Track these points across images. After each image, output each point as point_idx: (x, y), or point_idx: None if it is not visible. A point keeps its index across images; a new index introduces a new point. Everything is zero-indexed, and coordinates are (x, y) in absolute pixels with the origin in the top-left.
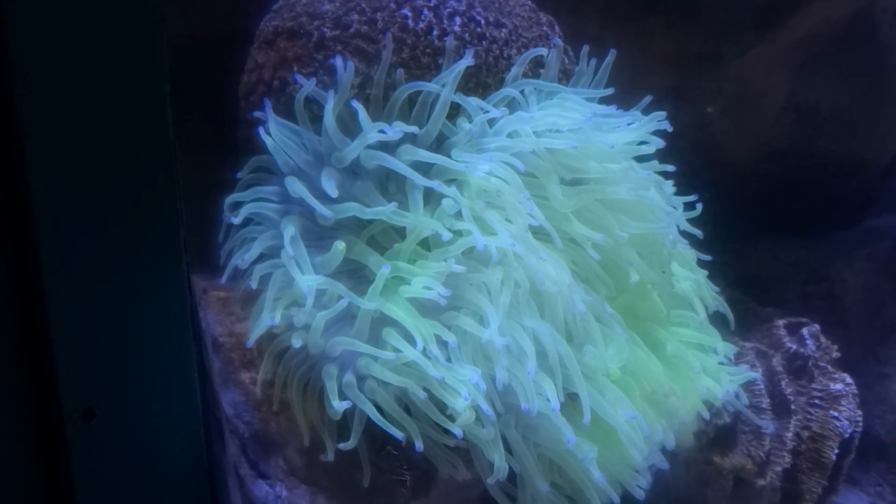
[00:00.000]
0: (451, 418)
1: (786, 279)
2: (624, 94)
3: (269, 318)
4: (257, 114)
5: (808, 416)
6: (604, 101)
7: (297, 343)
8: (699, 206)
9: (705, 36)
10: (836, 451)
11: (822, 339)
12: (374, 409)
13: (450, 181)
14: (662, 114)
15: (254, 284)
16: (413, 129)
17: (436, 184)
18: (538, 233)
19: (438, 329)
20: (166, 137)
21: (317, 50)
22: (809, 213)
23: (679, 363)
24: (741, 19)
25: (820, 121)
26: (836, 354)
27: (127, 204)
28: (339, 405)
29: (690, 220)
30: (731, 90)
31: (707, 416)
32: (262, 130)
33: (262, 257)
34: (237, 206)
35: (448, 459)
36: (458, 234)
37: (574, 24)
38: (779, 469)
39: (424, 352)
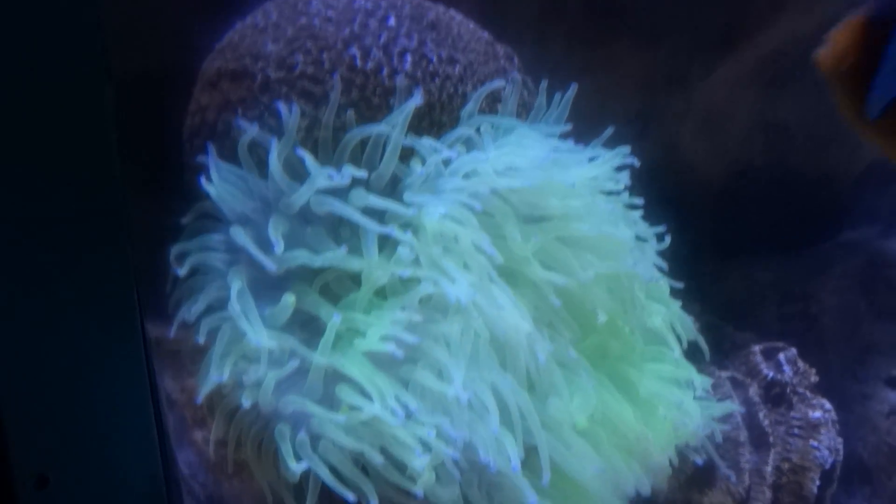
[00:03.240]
0: (412, 479)
1: (762, 300)
2: (592, 120)
3: (216, 374)
4: (200, 159)
5: (788, 448)
6: (565, 135)
7: (246, 403)
8: (668, 239)
9: (672, 57)
10: (818, 482)
11: (800, 364)
12: (328, 472)
13: (405, 226)
14: (626, 148)
15: (201, 339)
16: (361, 173)
17: (390, 229)
18: (499, 275)
19: (397, 389)
20: (115, 181)
21: (261, 92)
22: (784, 230)
23: (652, 404)
24: (707, 39)
25: (789, 137)
26: (814, 379)
27: (75, 254)
28: (295, 467)
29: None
30: (700, 110)
31: (683, 457)
32: (202, 180)
33: (209, 309)
34: (183, 256)
35: None
36: (414, 281)
37: (538, 50)
38: None
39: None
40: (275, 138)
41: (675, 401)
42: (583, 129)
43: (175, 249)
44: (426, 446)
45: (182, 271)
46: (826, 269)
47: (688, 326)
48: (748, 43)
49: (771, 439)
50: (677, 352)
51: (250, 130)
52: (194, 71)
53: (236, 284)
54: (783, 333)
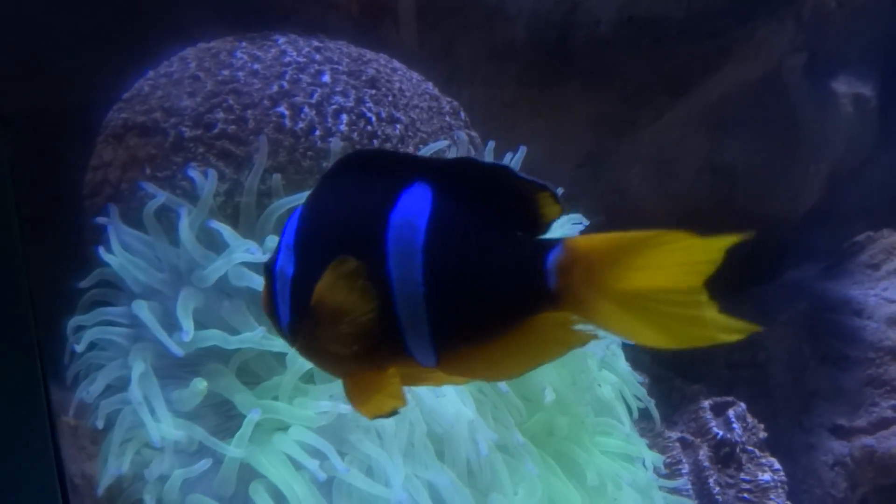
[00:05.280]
0: None
1: (710, 349)
2: (542, 161)
3: (115, 466)
4: (100, 220)
5: None
6: None
7: (150, 501)
8: None
9: (622, 100)
10: None
11: (749, 420)
12: None
13: None
14: (579, 216)
15: (99, 424)
16: None
17: None
18: None
19: (318, 500)
20: (12, 236)
21: (174, 151)
22: (730, 272)
23: (601, 485)
24: (656, 83)
25: (736, 180)
26: (762, 435)
27: None
28: None
29: None
30: (649, 153)
31: None
32: (101, 250)
33: (108, 389)
34: (81, 329)
35: None
36: None
37: (490, 91)
38: None
39: None
40: (184, 207)
41: (624, 480)
42: (535, 170)
43: (72, 322)
44: None
45: (80, 347)
46: (772, 317)
47: (639, 392)
48: (695, 88)
49: None
50: (628, 425)
51: (158, 197)
52: (97, 118)
53: (139, 366)
54: (732, 383)
